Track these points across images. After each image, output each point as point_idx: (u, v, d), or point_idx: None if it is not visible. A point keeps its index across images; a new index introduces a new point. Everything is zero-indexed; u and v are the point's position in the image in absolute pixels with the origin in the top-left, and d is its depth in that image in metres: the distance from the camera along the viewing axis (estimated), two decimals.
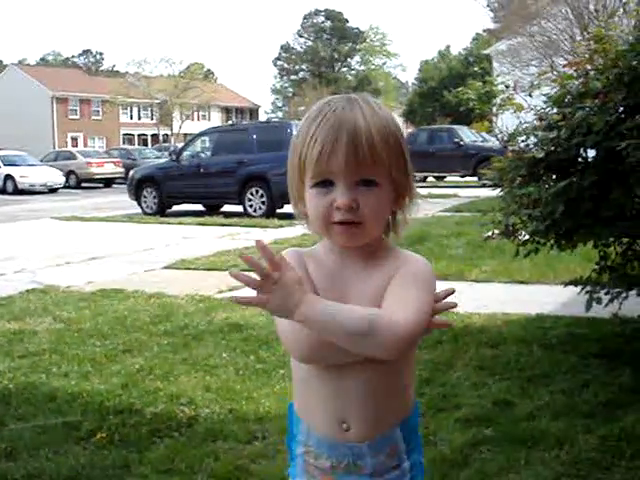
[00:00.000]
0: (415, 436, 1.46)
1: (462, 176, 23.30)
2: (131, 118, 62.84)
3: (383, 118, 1.38)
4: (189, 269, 8.10)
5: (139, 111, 62.66)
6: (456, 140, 23.21)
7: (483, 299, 5.80)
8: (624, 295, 4.03)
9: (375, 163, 1.35)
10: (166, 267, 8.30)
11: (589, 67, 4.03)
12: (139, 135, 62.24)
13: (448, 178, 24.94)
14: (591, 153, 3.84)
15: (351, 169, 1.34)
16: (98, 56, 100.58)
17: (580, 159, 3.87)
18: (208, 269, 7.98)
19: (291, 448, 1.50)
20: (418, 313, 1.32)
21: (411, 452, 1.43)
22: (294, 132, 1.48)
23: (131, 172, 17.62)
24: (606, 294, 4.04)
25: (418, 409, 1.49)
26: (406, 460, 1.42)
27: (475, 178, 20.56)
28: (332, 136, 1.33)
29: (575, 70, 4.14)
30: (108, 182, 31.03)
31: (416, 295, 1.34)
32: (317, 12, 79.56)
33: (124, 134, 61.24)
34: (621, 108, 3.66)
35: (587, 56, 4.09)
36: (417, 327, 1.31)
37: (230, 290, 6.61)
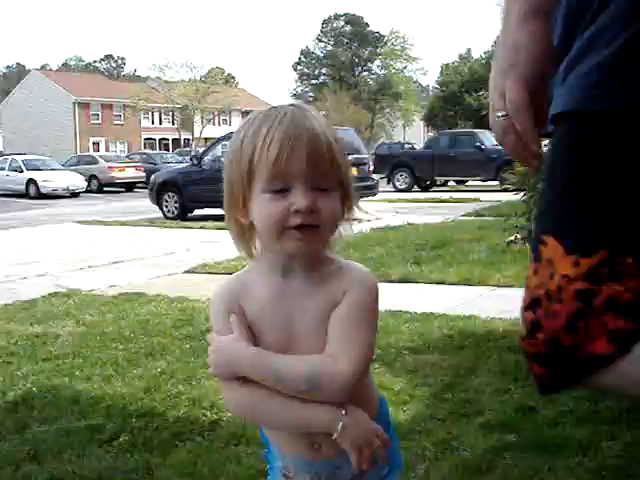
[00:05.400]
0: (386, 429, 1.42)
1: (483, 180, 23.22)
2: (152, 123, 63.28)
3: (333, 128, 1.37)
4: (210, 273, 8.12)
5: (160, 116, 63.10)
6: (477, 144, 23.12)
7: (505, 304, 5.77)
8: None
9: (332, 168, 1.31)
10: (187, 271, 8.33)
11: None
12: (160, 140, 62.65)
13: (469, 182, 24.85)
14: None
15: (310, 172, 1.28)
16: (120, 61, 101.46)
17: None
18: (229, 273, 7.93)
19: (267, 458, 1.52)
20: (362, 353, 1.32)
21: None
22: None
23: (152, 176, 17.71)
24: None
25: (385, 404, 1.49)
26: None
27: (497, 182, 20.48)
28: (291, 137, 1.28)
29: None
30: (129, 186, 31.25)
31: (362, 332, 1.33)
32: (337, 16, 79.64)
33: (145, 139, 61.67)
34: None
35: None
36: (361, 367, 1.31)
37: None
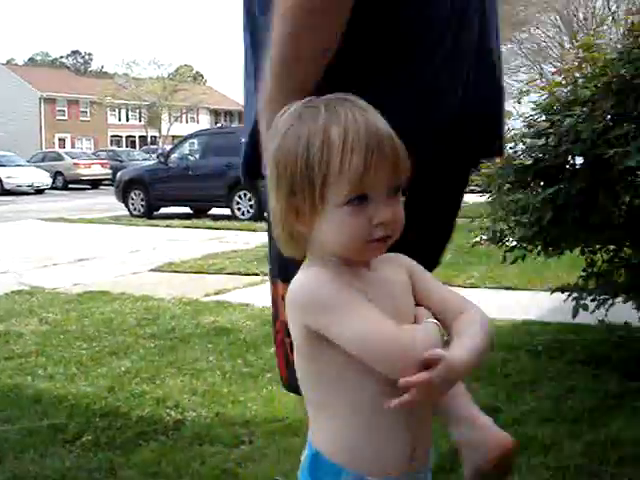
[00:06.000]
0: None
1: None
2: (119, 120, 62.70)
3: None
4: (176, 272, 8.08)
5: (127, 113, 62.54)
6: None
7: None
8: (610, 302, 4.05)
9: (406, 169, 1.19)
10: (153, 270, 8.27)
11: (578, 75, 4.06)
12: (127, 137, 62.10)
13: None
14: (579, 160, 3.86)
15: (392, 179, 1.16)
16: (87, 57, 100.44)
17: (568, 166, 3.89)
18: (195, 272, 7.97)
19: None
20: None
21: None
22: None
23: (119, 174, 17.60)
24: (592, 301, 4.06)
25: None
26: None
27: None
28: (373, 142, 1.13)
29: (564, 78, 4.16)
30: (95, 184, 30.94)
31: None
32: None
33: (112, 136, 61.08)
34: (609, 116, 3.68)
35: (576, 64, 4.12)
36: None
37: (217, 293, 6.61)
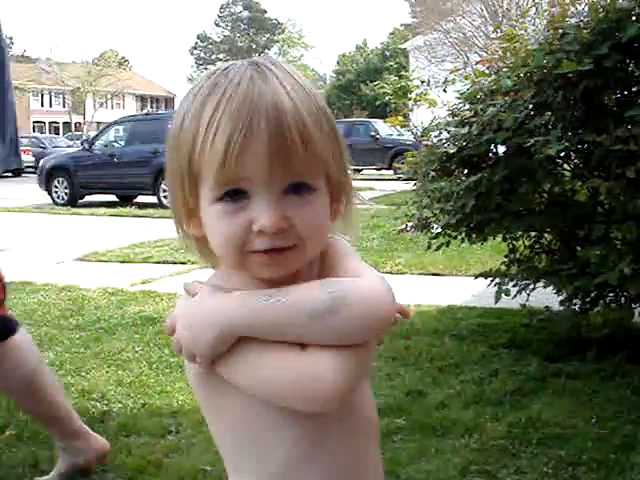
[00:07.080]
0: None
1: (378, 169, 23.55)
2: (42, 105, 61.12)
3: (309, 91, 0.95)
4: (101, 261, 7.94)
5: (50, 98, 61.05)
6: (372, 133, 23.43)
7: (396, 291, 5.88)
8: (532, 287, 4.16)
9: (309, 157, 0.91)
10: (77, 259, 8.11)
11: (501, 65, 4.14)
12: (50, 123, 60.60)
13: (364, 171, 25.18)
14: (501, 149, 3.94)
15: (276, 172, 0.90)
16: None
17: (490, 155, 3.98)
18: (121, 261, 7.84)
19: None
20: None
21: None
22: None
23: (42, 161, 17.16)
24: (514, 286, 4.16)
25: None
26: None
27: (391, 171, 20.83)
28: (243, 123, 0.88)
29: (487, 67, 4.24)
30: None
31: None
32: (235, 1, 78.97)
33: (34, 122, 59.44)
34: (530, 106, 3.77)
35: (500, 54, 4.20)
36: None
37: (143, 283, 6.52)
